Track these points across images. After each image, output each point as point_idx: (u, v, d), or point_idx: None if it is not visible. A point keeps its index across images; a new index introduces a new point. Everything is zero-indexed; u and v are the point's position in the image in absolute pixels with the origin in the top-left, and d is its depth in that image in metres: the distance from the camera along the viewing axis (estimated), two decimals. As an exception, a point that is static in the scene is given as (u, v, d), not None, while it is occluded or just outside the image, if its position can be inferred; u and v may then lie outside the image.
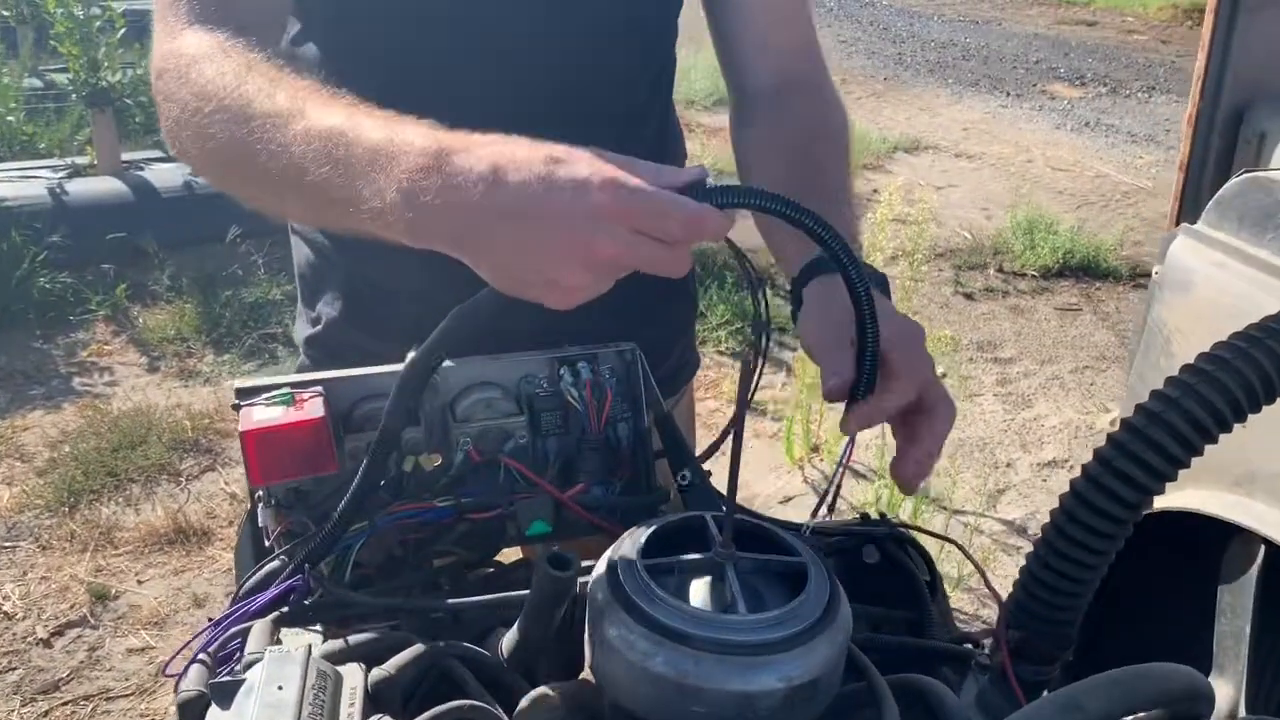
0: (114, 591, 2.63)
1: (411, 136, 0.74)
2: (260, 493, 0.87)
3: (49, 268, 4.19)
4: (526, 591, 0.77)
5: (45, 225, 4.27)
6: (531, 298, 0.74)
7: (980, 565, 0.97)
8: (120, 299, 4.13)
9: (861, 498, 2.95)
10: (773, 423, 3.38)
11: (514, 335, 1.10)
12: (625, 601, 0.71)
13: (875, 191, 5.78)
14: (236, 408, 0.87)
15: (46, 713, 2.27)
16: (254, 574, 0.83)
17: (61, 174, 4.75)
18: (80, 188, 4.59)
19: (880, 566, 1.01)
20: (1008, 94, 8.00)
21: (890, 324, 0.86)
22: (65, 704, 2.30)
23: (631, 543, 0.76)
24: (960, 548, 0.99)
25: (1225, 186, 1.17)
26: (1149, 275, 4.34)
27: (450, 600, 0.81)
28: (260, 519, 0.88)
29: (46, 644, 2.47)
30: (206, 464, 3.22)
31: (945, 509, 2.86)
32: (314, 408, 0.86)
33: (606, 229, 0.69)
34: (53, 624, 2.53)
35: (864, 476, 3.07)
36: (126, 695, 2.33)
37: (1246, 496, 1.09)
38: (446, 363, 0.95)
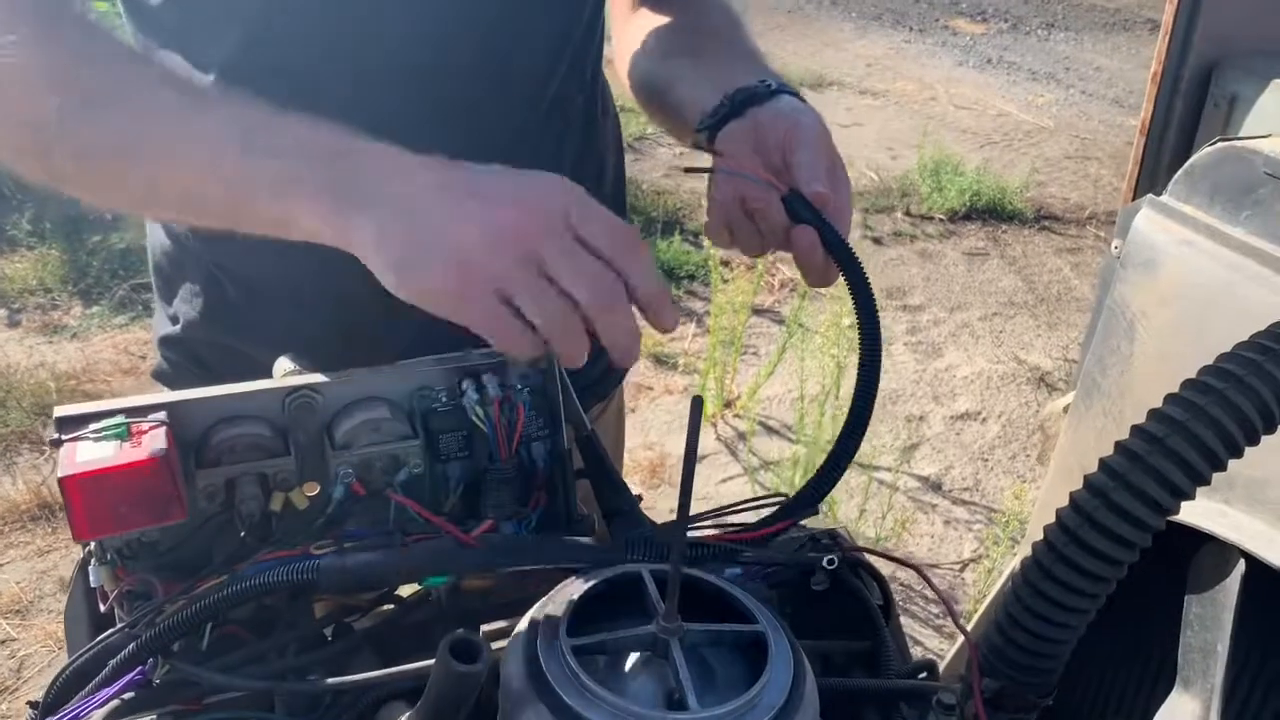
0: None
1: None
2: (91, 547, 0.71)
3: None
4: (427, 664, 0.62)
5: (-113, 164, 3.89)
6: (424, 282, 0.67)
7: (947, 599, 0.86)
8: (-26, 245, 3.80)
9: (778, 454, 2.87)
10: (684, 377, 3.26)
11: (415, 335, 0.95)
12: (547, 695, 0.57)
13: (781, 130, 5.67)
14: (56, 443, 0.70)
15: (-107, 718, 2.06)
16: (85, 653, 0.67)
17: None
18: (-74, 123, 4.19)
19: (830, 591, 0.89)
20: (911, 29, 7.93)
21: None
22: (-85, 706, 2.09)
23: (553, 611, 0.62)
24: (923, 574, 0.87)
25: (1196, 156, 1.06)
26: (1053, 218, 4.32)
27: (330, 680, 0.66)
28: (92, 579, 0.72)
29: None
30: (74, 430, 2.97)
31: (862, 465, 2.79)
32: (154, 442, 0.69)
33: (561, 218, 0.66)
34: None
35: (779, 434, 2.99)
36: (-15, 693, 2.12)
37: (1223, 503, 0.99)
38: (321, 377, 0.80)
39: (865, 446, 2.84)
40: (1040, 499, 1.27)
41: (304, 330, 0.96)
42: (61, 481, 0.66)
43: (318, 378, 0.79)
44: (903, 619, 2.32)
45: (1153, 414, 0.74)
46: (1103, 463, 0.75)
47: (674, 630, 0.61)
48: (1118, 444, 0.76)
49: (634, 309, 0.70)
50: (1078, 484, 1.17)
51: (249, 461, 0.76)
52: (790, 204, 0.83)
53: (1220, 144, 1.06)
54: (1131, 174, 1.62)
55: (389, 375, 0.81)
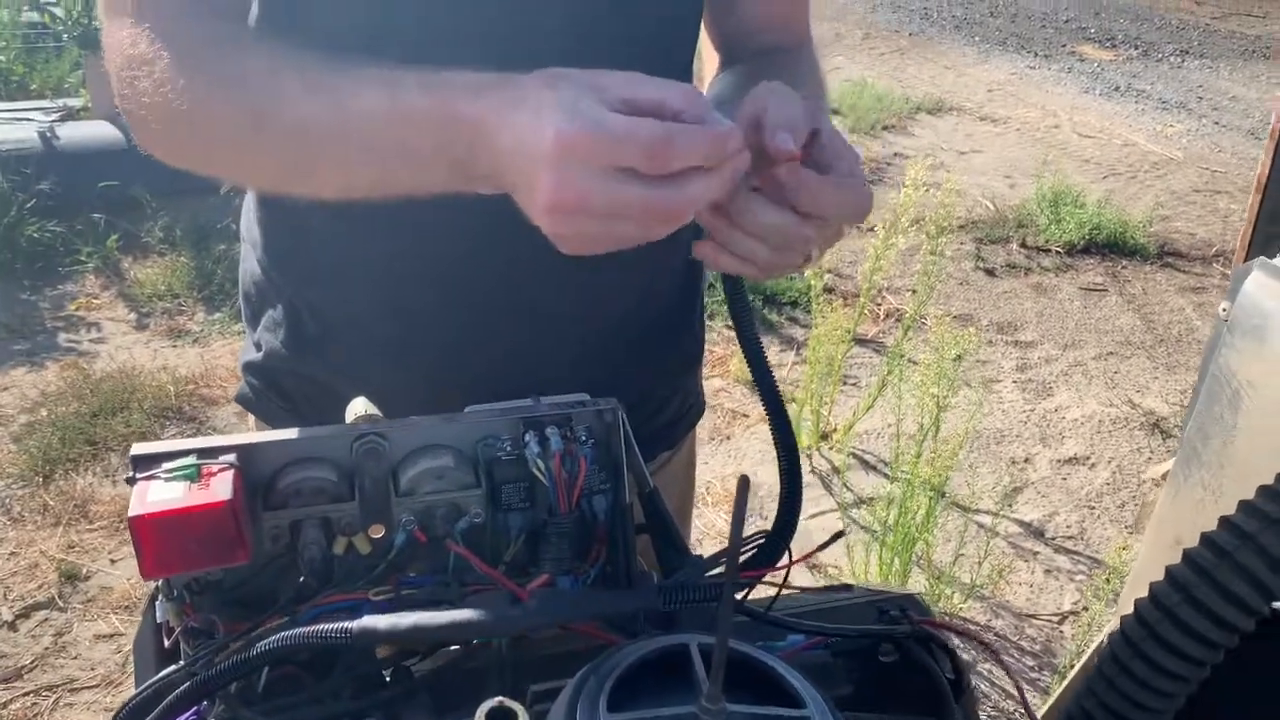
0: (85, 571, 2.51)
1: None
2: (159, 584, 0.73)
3: (38, 215, 4.04)
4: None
5: (35, 170, 4.12)
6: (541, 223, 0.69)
7: (1020, 686, 0.82)
8: (111, 250, 3.98)
9: (873, 490, 2.82)
10: (781, 405, 3.23)
11: (482, 379, 0.96)
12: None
13: (897, 155, 5.59)
14: (131, 481, 0.72)
15: (5, 704, 2.16)
16: (145, 689, 0.69)
17: (53, 117, 4.57)
18: (72, 132, 4.41)
19: (898, 664, 0.86)
20: (1035, 54, 7.73)
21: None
22: (26, 694, 2.19)
23: (597, 682, 0.61)
24: (994, 655, 0.84)
25: (1314, 219, 1.00)
26: (1178, 254, 4.15)
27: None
28: (159, 613, 0.74)
29: (11, 627, 2.35)
30: (189, 433, 3.09)
31: (961, 508, 2.71)
32: (222, 486, 0.71)
33: (561, 167, 0.64)
34: (19, 605, 2.41)
35: (874, 468, 2.93)
36: (92, 686, 2.22)
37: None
38: (388, 423, 0.81)
39: (964, 489, 2.78)
40: (1135, 570, 1.22)
41: (376, 368, 0.97)
42: (131, 521, 0.69)
43: (385, 423, 0.80)
44: (995, 671, 2.26)
45: (1243, 507, 0.71)
46: (1167, 574, 0.72)
47: (717, 712, 0.60)
48: (1185, 555, 0.72)
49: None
50: (1172, 557, 1.12)
51: (314, 505, 0.77)
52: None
53: (1340, 207, 1.00)
54: (1245, 233, 1.53)
55: (455, 423, 0.81)
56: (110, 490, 2.81)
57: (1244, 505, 0.70)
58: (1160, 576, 1.24)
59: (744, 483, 0.60)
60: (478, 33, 0.85)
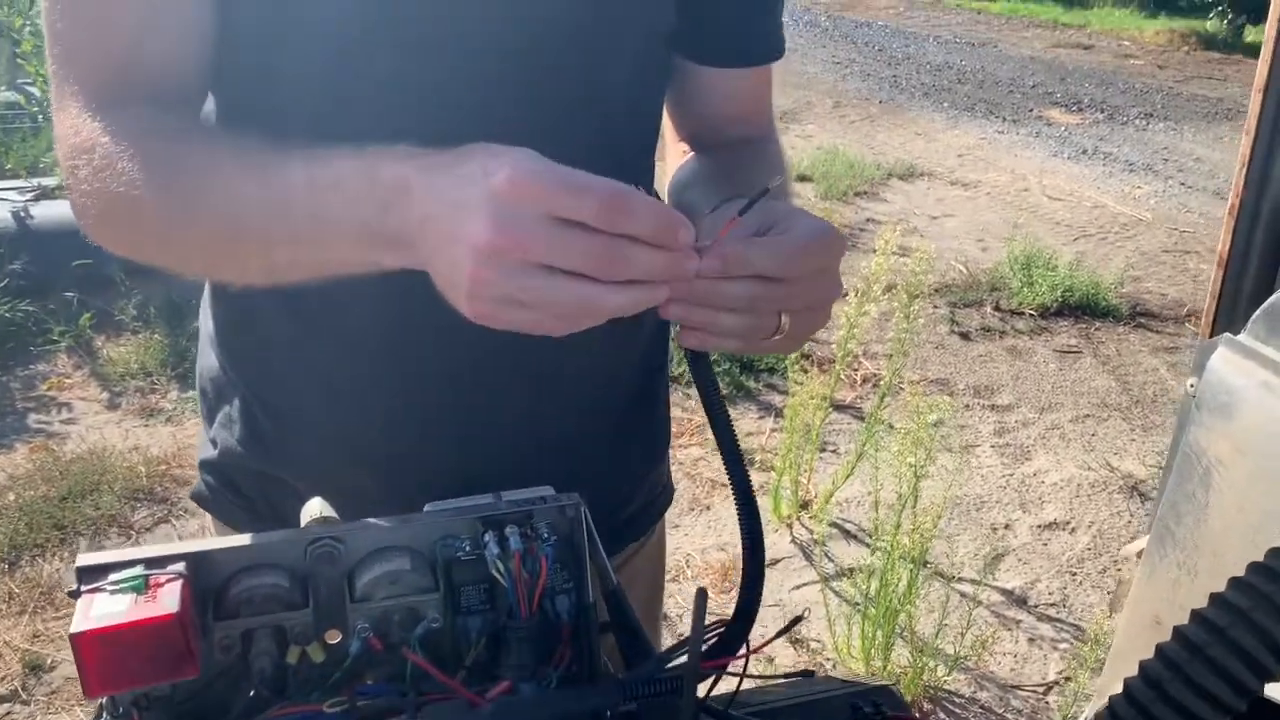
0: (49, 661, 2.45)
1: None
2: (103, 702, 0.70)
3: (10, 295, 4.02)
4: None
5: (7, 250, 4.11)
6: (462, 309, 0.67)
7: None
8: (83, 329, 3.96)
9: (855, 559, 2.79)
10: (759, 474, 3.21)
11: (441, 476, 0.94)
12: None
13: (869, 221, 5.64)
14: (74, 594, 0.70)
15: (-36, 804, 2.09)
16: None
17: (27, 196, 4.57)
18: (46, 211, 4.41)
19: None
20: (1004, 119, 7.87)
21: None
22: (-13, 794, 2.12)
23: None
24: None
25: (1277, 295, 1.01)
26: (1150, 315, 4.18)
27: None
28: (104, 732, 0.71)
29: (-29, 722, 2.29)
30: (160, 515, 3.05)
31: (943, 577, 2.69)
32: (170, 598, 0.69)
33: (504, 209, 0.61)
34: (-20, 699, 2.35)
35: (855, 538, 2.91)
36: (54, 784, 2.15)
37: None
38: (343, 525, 0.79)
39: (945, 558, 2.76)
40: (1114, 648, 1.20)
41: (332, 466, 0.96)
42: (72, 638, 0.66)
43: (340, 526, 0.78)
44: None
45: (1235, 583, 0.69)
46: (1178, 633, 0.70)
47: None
48: (1195, 614, 0.70)
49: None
50: (1151, 636, 1.11)
51: (266, 614, 0.75)
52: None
53: (1301, 284, 1.00)
54: (1209, 309, 1.55)
55: (411, 524, 0.79)
56: (78, 576, 2.76)
57: (1235, 581, 0.69)
58: (1139, 655, 1.21)
59: (701, 595, 0.58)
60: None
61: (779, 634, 0.83)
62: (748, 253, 0.71)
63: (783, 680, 0.90)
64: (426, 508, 0.87)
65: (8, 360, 3.84)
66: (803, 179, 6.29)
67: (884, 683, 0.93)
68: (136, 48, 0.80)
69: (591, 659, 0.81)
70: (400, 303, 0.84)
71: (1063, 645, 2.54)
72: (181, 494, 3.12)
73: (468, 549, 0.79)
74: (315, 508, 0.83)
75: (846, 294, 4.45)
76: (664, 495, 1.15)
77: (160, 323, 4.02)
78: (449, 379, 0.92)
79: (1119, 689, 1.15)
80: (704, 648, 0.83)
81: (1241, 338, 1.06)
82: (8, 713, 2.32)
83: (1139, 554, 1.16)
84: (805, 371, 3.82)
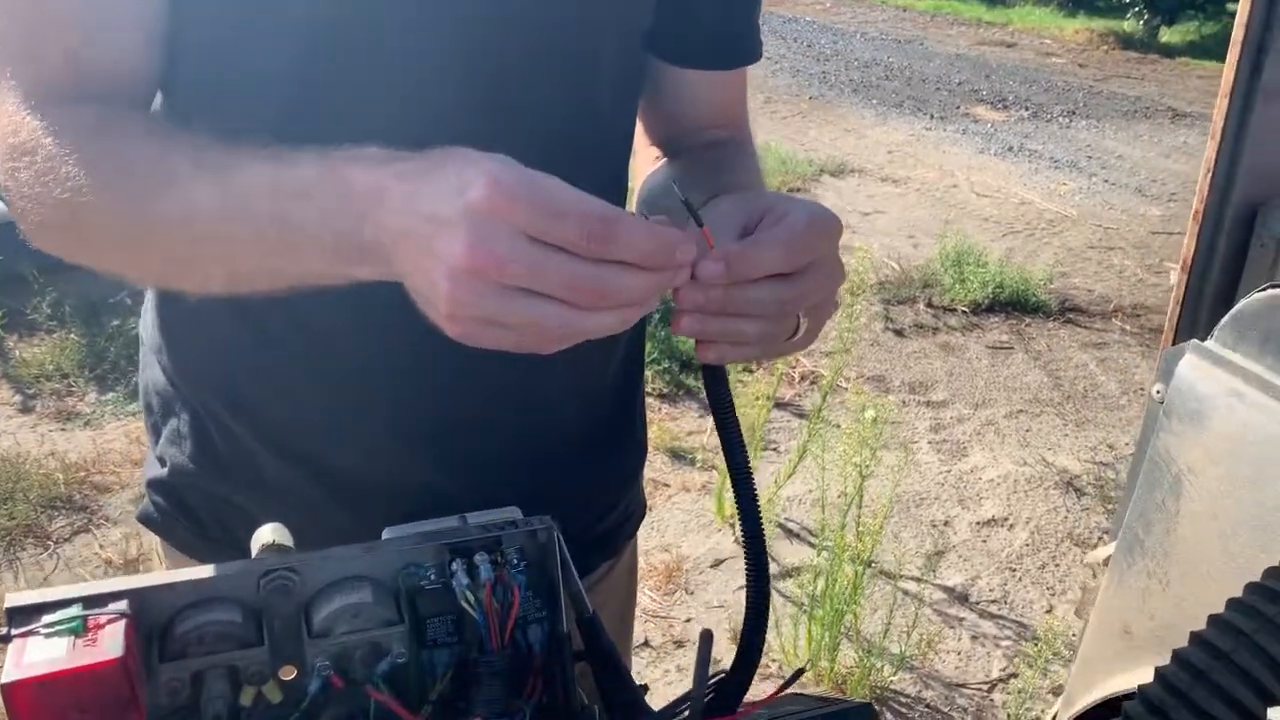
0: None
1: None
2: (37, 755, 0.64)
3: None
4: None
5: (-90, 247, 3.91)
6: (441, 328, 0.63)
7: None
8: (-6, 329, 3.79)
9: (798, 558, 2.78)
10: (702, 473, 3.19)
11: (407, 495, 0.89)
12: None
13: (802, 217, 5.66)
14: (4, 639, 0.64)
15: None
16: None
17: (-69, 190, 4.36)
18: (-48, 206, 4.21)
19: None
20: (932, 116, 7.96)
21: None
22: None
23: None
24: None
25: (1244, 302, 1.00)
26: (1078, 310, 4.25)
27: None
28: (38, 787, 0.65)
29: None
30: (80, 523, 2.92)
31: (887, 576, 2.69)
32: (112, 641, 0.63)
33: (481, 227, 0.58)
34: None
35: (798, 537, 2.90)
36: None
37: None
38: (298, 555, 0.73)
39: (890, 555, 2.76)
40: (1081, 654, 1.19)
41: (290, 486, 0.90)
42: (4, 689, 0.60)
43: (295, 556, 0.73)
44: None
45: (1235, 605, 0.68)
46: (1178, 657, 0.68)
47: None
48: (1176, 655, 0.69)
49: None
50: (1120, 645, 1.09)
51: (217, 653, 0.69)
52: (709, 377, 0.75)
53: (1271, 289, 1.00)
54: (1172, 314, 1.56)
55: (373, 552, 0.74)
56: (-5, 588, 2.63)
57: (1235, 603, 0.67)
58: (1108, 664, 1.20)
59: (707, 637, 0.55)
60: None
61: (784, 686, 0.79)
62: (754, 251, 0.66)
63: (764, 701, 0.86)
64: (386, 533, 0.82)
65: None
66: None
67: (862, 701, 0.91)
68: (83, 44, 0.74)
69: (566, 692, 0.77)
70: (368, 315, 0.79)
71: (1005, 642, 2.56)
72: (102, 500, 3.00)
73: (433, 577, 0.75)
74: (267, 534, 0.77)
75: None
76: (637, 512, 1.11)
77: (76, 322, 3.87)
78: (421, 392, 0.87)
79: (1087, 696, 1.13)
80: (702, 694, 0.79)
81: (1209, 344, 1.05)
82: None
83: (1105, 561, 1.15)
84: (750, 371, 3.82)
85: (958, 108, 8.23)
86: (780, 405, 3.58)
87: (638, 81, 0.93)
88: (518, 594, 0.73)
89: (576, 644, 0.79)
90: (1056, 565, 2.84)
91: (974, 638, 2.56)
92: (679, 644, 2.49)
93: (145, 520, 0.97)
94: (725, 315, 0.68)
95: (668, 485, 3.14)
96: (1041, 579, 2.79)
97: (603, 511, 1.04)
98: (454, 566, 0.73)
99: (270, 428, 0.88)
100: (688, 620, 2.56)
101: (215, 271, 0.71)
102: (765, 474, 3.17)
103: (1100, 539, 2.94)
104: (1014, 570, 2.82)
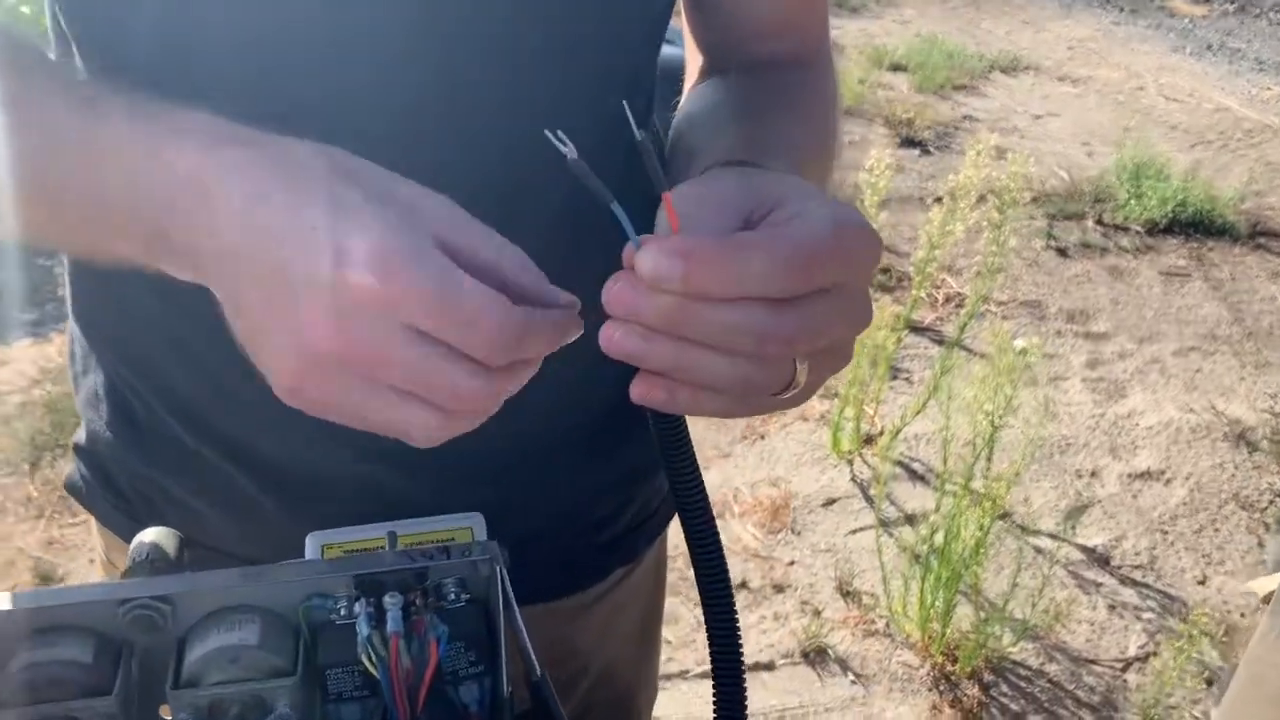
0: (60, 572, 2.35)
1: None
2: None
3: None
4: None
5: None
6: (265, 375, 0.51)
7: None
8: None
9: (920, 504, 2.56)
10: (821, 402, 2.96)
11: (349, 490, 0.74)
12: None
13: (966, 118, 5.22)
14: None
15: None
16: None
17: None
18: None
19: None
20: (1121, 9, 7.24)
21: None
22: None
23: None
24: None
25: None
26: (1272, 234, 3.81)
27: None
28: None
29: (-21, 632, 2.20)
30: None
31: (1022, 529, 2.44)
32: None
33: (357, 314, 0.45)
34: (-10, 608, 2.26)
35: (923, 479, 2.67)
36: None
37: None
38: (181, 582, 0.58)
39: (1023, 506, 2.50)
40: (1225, 703, 0.96)
41: (216, 474, 0.75)
42: None
43: (167, 580, 0.58)
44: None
45: None
46: None
47: None
48: None
49: None
50: (1269, 697, 0.86)
51: (53, 701, 0.55)
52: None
53: None
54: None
55: (269, 577, 0.58)
56: (101, 479, 2.66)
57: None
58: (1250, 716, 0.96)
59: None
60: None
61: None
62: (730, 253, 0.45)
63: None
64: (309, 539, 0.67)
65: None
66: (897, 69, 5.86)
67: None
68: None
69: (506, 769, 0.60)
70: None
71: (1147, 615, 2.29)
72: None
73: (343, 612, 0.58)
74: (148, 539, 0.62)
75: (939, 198, 4.12)
76: (661, 513, 0.91)
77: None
78: None
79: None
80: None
81: None
82: (16, 624, 2.24)
83: (1266, 598, 0.90)
84: (883, 289, 3.54)
85: (1152, 0, 7.47)
86: (918, 330, 3.31)
87: None
88: (436, 650, 0.56)
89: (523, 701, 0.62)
90: (1216, 530, 2.52)
91: (1111, 607, 2.30)
92: (779, 588, 2.32)
93: (70, 489, 0.85)
94: (681, 340, 0.46)
95: (783, 413, 2.93)
96: (1197, 544, 2.48)
97: (612, 513, 0.86)
98: (356, 609, 0.56)
99: (187, 404, 0.73)
100: (790, 563, 2.38)
101: (51, 234, 0.56)
102: (893, 405, 2.92)
103: (1272, 502, 2.61)
104: (1165, 533, 2.51)
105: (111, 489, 0.81)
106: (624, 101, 0.47)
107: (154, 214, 0.49)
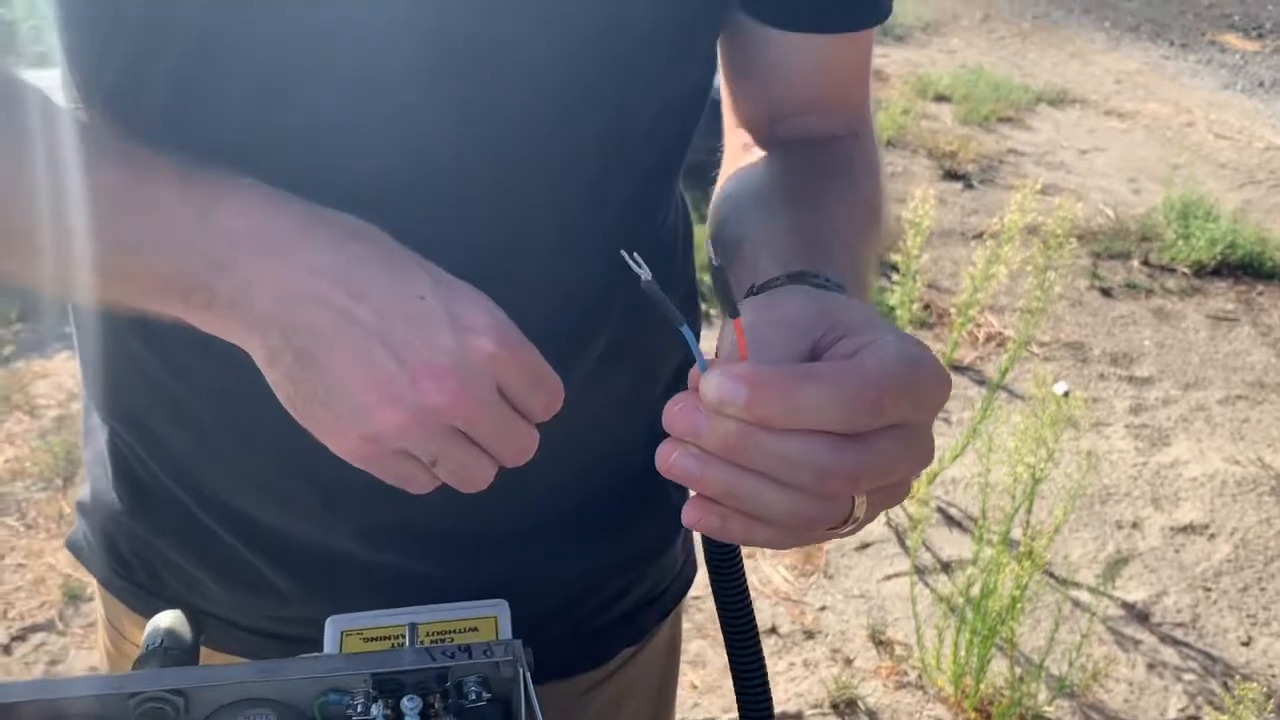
0: (89, 591, 2.35)
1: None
2: None
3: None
4: None
5: None
6: (325, 439, 0.54)
7: None
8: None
9: (956, 550, 2.51)
10: (858, 440, 2.92)
11: (355, 567, 0.72)
12: None
13: (1011, 151, 5.17)
14: None
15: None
16: None
17: None
18: None
19: None
20: (1171, 43, 7.16)
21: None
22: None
23: None
24: None
25: None
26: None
27: None
28: None
29: (6, 650, 2.21)
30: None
31: (1058, 580, 2.39)
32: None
33: (473, 374, 0.52)
34: (18, 625, 2.27)
35: (959, 525, 2.61)
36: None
37: None
38: (194, 676, 0.56)
39: (1061, 560, 2.45)
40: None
41: (221, 546, 0.73)
42: None
43: (180, 673, 0.56)
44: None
45: None
46: None
47: None
48: None
49: None
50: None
51: (57, 800, 0.53)
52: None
53: None
54: None
55: (285, 672, 0.56)
56: (133, 497, 2.66)
57: None
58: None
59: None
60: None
61: None
62: (797, 386, 0.43)
63: None
64: (328, 624, 0.65)
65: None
66: (941, 99, 5.82)
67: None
68: None
69: None
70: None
71: (1188, 676, 2.22)
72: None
73: (360, 708, 0.56)
74: (163, 624, 0.61)
75: (981, 235, 4.05)
76: (674, 588, 0.88)
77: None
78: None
79: None
80: None
81: None
82: (42, 643, 2.24)
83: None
84: (924, 325, 3.49)
85: (1203, 34, 7.37)
86: (958, 369, 3.26)
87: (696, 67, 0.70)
88: (456, 759, 0.54)
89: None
90: (1263, 589, 2.45)
91: (1150, 666, 2.24)
92: (809, 634, 2.28)
93: (73, 548, 0.83)
94: (739, 468, 0.45)
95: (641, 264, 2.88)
96: (1241, 603, 2.41)
97: (623, 589, 0.83)
98: (374, 710, 0.54)
99: (186, 469, 0.72)
100: (822, 608, 2.34)
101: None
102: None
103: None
104: (1209, 590, 2.45)
105: (113, 554, 0.79)
106: (634, 254, 0.46)
107: (200, 270, 0.51)
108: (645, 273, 0.46)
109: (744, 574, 0.60)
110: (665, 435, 0.72)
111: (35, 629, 2.27)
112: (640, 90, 0.64)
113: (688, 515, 0.48)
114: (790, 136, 0.73)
